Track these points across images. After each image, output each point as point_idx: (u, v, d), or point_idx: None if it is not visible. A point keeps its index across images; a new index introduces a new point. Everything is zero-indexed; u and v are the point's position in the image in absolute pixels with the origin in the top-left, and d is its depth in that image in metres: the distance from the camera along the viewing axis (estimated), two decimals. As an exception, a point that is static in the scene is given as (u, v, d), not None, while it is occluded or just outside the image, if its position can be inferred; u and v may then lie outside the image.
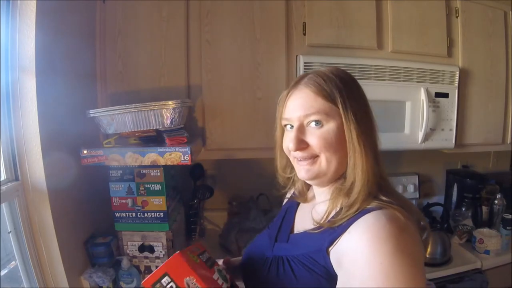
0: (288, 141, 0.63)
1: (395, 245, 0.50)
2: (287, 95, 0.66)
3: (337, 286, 0.55)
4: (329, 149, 0.60)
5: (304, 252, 0.62)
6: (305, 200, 0.76)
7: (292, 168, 0.71)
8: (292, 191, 0.81)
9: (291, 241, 0.69)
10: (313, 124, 0.61)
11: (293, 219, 0.76)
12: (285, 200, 0.86)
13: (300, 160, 0.63)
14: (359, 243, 0.53)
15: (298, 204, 0.78)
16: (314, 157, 0.62)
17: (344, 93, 0.61)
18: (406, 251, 0.51)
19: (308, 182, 0.70)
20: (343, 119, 0.60)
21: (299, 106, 0.62)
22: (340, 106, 0.60)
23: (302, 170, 0.64)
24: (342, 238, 0.56)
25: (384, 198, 0.57)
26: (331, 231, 0.58)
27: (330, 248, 0.58)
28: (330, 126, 0.60)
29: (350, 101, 0.60)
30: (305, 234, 0.66)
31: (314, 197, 0.74)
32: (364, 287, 0.50)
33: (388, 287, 0.48)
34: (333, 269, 0.57)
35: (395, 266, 0.49)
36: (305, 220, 0.70)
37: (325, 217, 0.62)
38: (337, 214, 0.60)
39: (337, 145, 0.60)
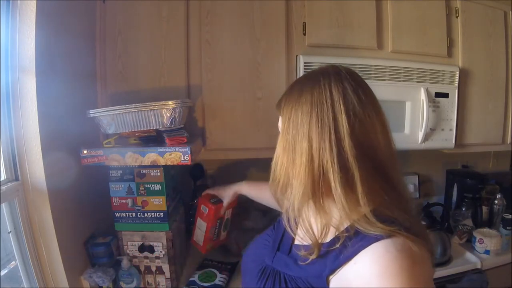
0: None
1: (407, 280, 0.47)
2: None
3: None
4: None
5: (303, 275, 0.59)
6: None
7: None
8: None
9: (292, 255, 0.66)
10: None
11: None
12: None
13: None
14: (369, 277, 0.49)
15: None
16: None
17: (283, 100, 0.62)
18: (418, 285, 0.47)
19: None
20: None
21: None
22: (282, 113, 0.62)
23: None
24: (347, 267, 0.52)
25: (387, 227, 0.51)
26: (334, 256, 0.55)
27: (330, 276, 0.54)
28: None
29: (286, 107, 0.60)
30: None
31: None
32: None
33: None
34: None
35: None
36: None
37: (322, 237, 0.58)
38: (334, 241, 0.56)
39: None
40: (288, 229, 0.64)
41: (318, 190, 0.56)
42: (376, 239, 0.50)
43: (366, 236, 0.52)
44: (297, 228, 0.65)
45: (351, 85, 0.57)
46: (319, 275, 0.55)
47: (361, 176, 0.53)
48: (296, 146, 0.57)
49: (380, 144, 0.57)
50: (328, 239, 0.58)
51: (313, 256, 0.57)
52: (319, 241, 0.58)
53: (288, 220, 0.62)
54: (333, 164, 0.53)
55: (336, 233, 0.56)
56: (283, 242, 0.71)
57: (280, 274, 0.63)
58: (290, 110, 0.59)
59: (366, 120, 0.56)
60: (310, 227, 0.59)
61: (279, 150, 0.61)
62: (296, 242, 0.68)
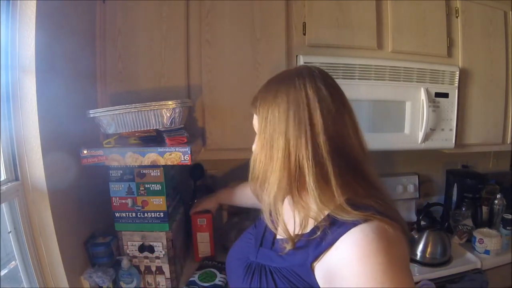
0: None
1: (385, 260, 0.50)
2: None
3: None
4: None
5: (287, 265, 0.61)
6: None
7: None
8: None
9: (275, 248, 0.68)
10: None
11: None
12: None
13: None
14: (350, 260, 0.52)
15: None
16: None
17: (259, 100, 0.64)
18: (396, 263, 0.51)
19: None
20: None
21: None
22: (258, 113, 0.64)
23: None
24: (329, 253, 0.55)
25: (362, 213, 0.54)
26: (316, 244, 0.57)
27: (314, 263, 0.57)
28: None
29: (262, 108, 0.62)
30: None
31: None
32: None
33: None
34: (318, 285, 0.56)
35: (389, 280, 0.49)
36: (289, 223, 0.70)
37: (301, 229, 0.61)
38: (314, 231, 0.59)
39: None
40: (269, 224, 0.66)
41: (294, 184, 0.60)
42: (354, 224, 0.54)
43: (344, 223, 0.55)
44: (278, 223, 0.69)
45: (324, 85, 0.61)
46: (303, 263, 0.58)
47: (334, 171, 0.57)
48: (274, 144, 0.60)
49: (352, 140, 0.60)
50: (308, 229, 0.61)
51: (289, 247, 0.61)
52: (300, 232, 0.61)
53: (269, 215, 0.65)
54: (308, 160, 0.57)
55: (315, 223, 0.59)
56: (265, 238, 0.73)
57: (265, 267, 0.65)
58: (267, 110, 0.62)
59: (339, 118, 0.60)
60: (283, 221, 0.63)
61: (257, 148, 0.64)
62: (278, 236, 0.70)
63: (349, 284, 0.51)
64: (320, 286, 0.56)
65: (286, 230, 0.62)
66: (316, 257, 0.56)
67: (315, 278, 0.56)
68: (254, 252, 0.71)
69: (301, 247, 0.60)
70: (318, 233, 0.57)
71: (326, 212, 0.58)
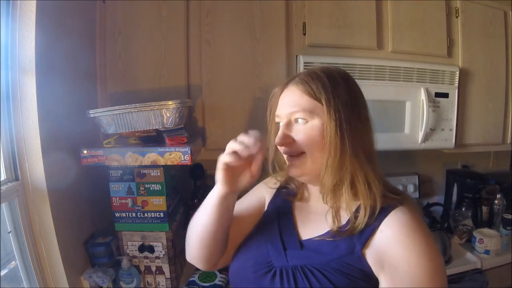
0: (276, 137, 0.66)
1: (424, 234, 0.59)
2: (281, 93, 0.70)
3: (384, 284, 0.58)
4: (313, 145, 0.62)
5: (334, 257, 0.60)
6: (301, 198, 0.74)
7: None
8: (274, 189, 0.80)
9: (307, 248, 0.65)
10: (299, 120, 0.64)
11: (293, 222, 0.71)
12: (267, 198, 0.81)
13: (289, 156, 0.66)
14: (396, 236, 0.58)
15: (291, 203, 0.75)
16: (301, 154, 0.64)
17: (330, 89, 0.62)
18: (431, 236, 0.60)
19: (300, 180, 0.71)
20: (325, 116, 0.61)
21: (287, 103, 0.66)
22: (324, 103, 0.62)
23: (290, 167, 0.66)
24: (376, 237, 0.59)
25: (396, 197, 0.62)
26: (358, 233, 0.60)
27: (364, 250, 0.60)
28: (314, 122, 0.62)
29: (335, 99, 0.62)
30: (324, 241, 0.63)
31: (310, 196, 0.73)
32: (417, 272, 0.56)
33: (435, 266, 0.57)
34: (371, 270, 0.58)
35: (429, 249, 0.57)
36: (313, 223, 0.67)
37: (337, 223, 0.63)
38: (355, 218, 0.61)
39: (322, 141, 0.62)
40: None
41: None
42: (392, 207, 0.60)
43: (382, 209, 0.60)
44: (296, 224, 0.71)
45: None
46: (351, 251, 0.60)
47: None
48: (355, 130, 0.63)
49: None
50: (343, 221, 0.63)
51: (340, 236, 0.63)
52: (337, 226, 0.63)
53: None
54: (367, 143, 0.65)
55: (349, 215, 0.62)
56: (286, 242, 0.68)
57: (307, 267, 0.61)
58: (342, 99, 0.63)
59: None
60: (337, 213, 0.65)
61: (333, 135, 0.61)
62: (305, 237, 0.67)
63: (397, 258, 0.57)
64: (373, 270, 0.59)
65: (335, 222, 0.64)
66: (364, 243, 0.60)
67: (368, 264, 0.59)
68: (281, 257, 0.66)
69: (341, 239, 0.62)
70: (362, 219, 0.60)
71: (369, 203, 0.61)
